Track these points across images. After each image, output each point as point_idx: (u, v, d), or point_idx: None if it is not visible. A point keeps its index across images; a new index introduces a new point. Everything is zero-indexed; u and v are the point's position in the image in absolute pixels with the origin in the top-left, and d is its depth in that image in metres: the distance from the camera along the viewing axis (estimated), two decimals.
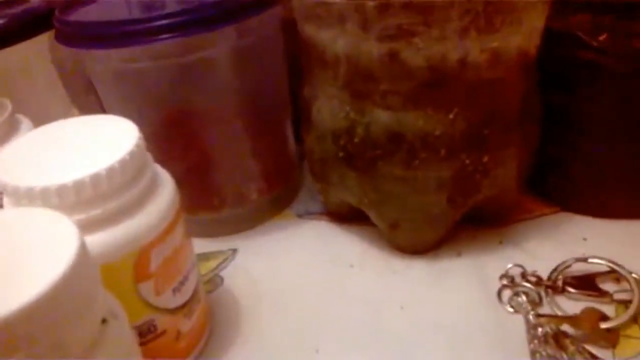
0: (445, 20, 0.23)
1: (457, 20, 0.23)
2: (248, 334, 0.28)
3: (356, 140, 0.28)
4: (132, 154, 0.21)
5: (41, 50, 0.39)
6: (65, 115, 0.43)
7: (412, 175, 0.27)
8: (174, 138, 0.32)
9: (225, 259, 0.32)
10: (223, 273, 0.31)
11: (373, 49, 0.25)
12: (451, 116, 0.26)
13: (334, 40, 0.26)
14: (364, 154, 0.28)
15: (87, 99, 0.39)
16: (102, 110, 0.33)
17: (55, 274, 0.15)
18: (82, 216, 0.20)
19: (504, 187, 0.29)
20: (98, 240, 0.21)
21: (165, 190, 0.23)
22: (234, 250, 0.33)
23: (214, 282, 0.31)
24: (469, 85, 0.26)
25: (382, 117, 0.27)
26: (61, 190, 0.20)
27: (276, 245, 0.33)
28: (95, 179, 0.20)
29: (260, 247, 0.33)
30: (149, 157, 0.24)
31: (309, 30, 0.28)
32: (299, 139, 0.36)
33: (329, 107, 0.29)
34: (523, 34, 0.25)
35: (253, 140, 0.33)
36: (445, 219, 0.29)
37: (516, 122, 0.28)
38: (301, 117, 0.32)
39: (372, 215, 0.30)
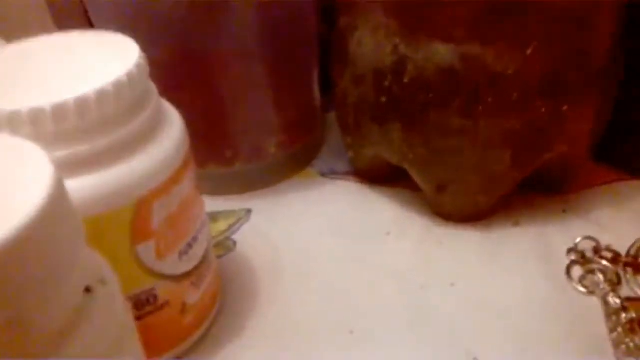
0: None
1: None
2: (266, 309, 0.23)
3: (406, 80, 0.23)
4: (130, 76, 0.16)
5: None
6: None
7: (472, 126, 0.22)
8: (181, 78, 0.27)
9: (237, 220, 0.28)
10: (235, 236, 0.27)
11: None
12: (529, 52, 0.21)
13: None
14: (413, 99, 0.23)
15: (75, 23, 0.34)
16: None
17: (16, 222, 0.10)
18: (62, 153, 0.15)
19: (577, 146, 0.24)
20: (84, 185, 0.16)
21: (173, 128, 0.19)
22: (248, 211, 0.28)
23: (224, 245, 0.26)
24: (554, 14, 0.20)
25: (440, 52, 0.22)
26: (35, 116, 0.15)
27: (298, 207, 0.29)
28: (82, 103, 0.15)
29: (279, 209, 0.28)
30: (152, 86, 0.19)
31: None
32: (323, 89, 0.31)
33: (372, 40, 0.24)
34: None
35: (273, 85, 0.28)
36: (506, 180, 0.24)
37: (600, 71, 0.22)
38: (332, 56, 0.27)
39: (416, 175, 0.26)
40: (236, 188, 0.30)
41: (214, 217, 0.28)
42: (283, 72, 0.29)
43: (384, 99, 0.24)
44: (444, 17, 0.21)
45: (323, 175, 0.31)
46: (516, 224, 0.26)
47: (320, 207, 0.28)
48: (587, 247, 0.24)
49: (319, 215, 0.28)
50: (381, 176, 0.29)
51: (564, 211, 0.26)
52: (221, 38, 0.26)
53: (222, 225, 0.28)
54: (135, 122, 0.17)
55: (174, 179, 0.18)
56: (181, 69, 0.27)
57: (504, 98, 0.22)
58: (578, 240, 0.24)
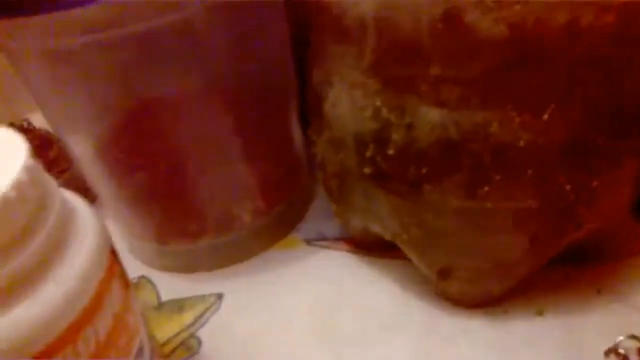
0: None
1: None
2: None
3: (391, 151, 0.18)
4: (6, 201, 0.12)
5: None
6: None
7: (477, 207, 0.18)
8: (135, 140, 0.23)
9: (206, 310, 0.24)
10: (202, 332, 0.23)
11: (420, 9, 0.15)
12: (545, 117, 0.16)
13: None
14: (403, 173, 0.18)
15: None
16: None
17: None
18: None
19: (612, 221, 0.19)
20: None
21: (83, 244, 0.14)
22: (219, 296, 0.24)
23: (188, 345, 0.22)
24: (577, 66, 0.16)
25: (432, 118, 0.17)
26: None
27: (277, 287, 0.24)
28: None
29: (255, 290, 0.24)
30: (51, 188, 0.14)
31: None
32: (307, 135, 0.27)
33: (349, 101, 0.19)
34: None
35: (247, 141, 0.24)
36: (524, 266, 0.20)
37: (637, 129, 0.18)
38: (308, 111, 0.23)
39: (414, 257, 0.21)
40: (205, 266, 0.26)
41: (180, 305, 0.24)
42: (256, 123, 0.24)
43: (367, 170, 0.20)
44: (433, 75, 0.17)
45: (308, 242, 0.26)
46: (540, 312, 0.21)
47: (302, 289, 0.24)
48: (631, 346, 0.19)
49: (301, 301, 0.23)
50: (377, 244, 0.24)
51: (599, 292, 0.21)
52: (178, 85, 0.22)
53: (187, 316, 0.23)
54: (15, 263, 0.12)
55: (84, 320, 0.14)
56: (134, 128, 0.23)
57: (516, 175, 0.17)
58: (619, 339, 0.19)
